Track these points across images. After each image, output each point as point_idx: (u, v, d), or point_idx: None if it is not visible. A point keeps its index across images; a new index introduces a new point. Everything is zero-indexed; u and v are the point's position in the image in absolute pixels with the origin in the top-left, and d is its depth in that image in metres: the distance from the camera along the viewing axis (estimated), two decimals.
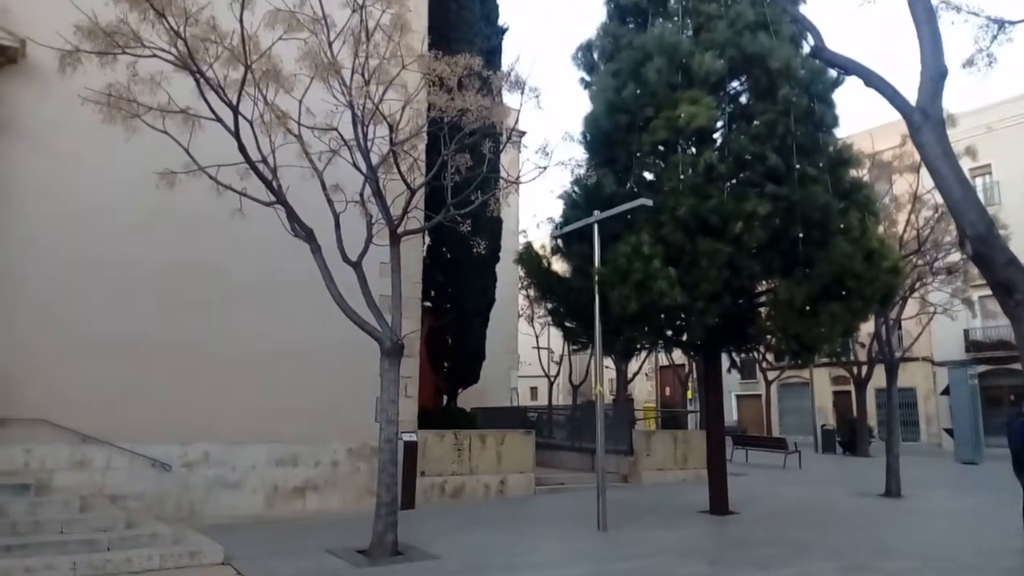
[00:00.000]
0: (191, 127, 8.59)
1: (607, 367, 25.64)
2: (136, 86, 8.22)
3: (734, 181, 11.26)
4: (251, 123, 8.66)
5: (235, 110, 8.39)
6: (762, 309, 12.21)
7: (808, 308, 10.60)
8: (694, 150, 11.63)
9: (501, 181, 10.90)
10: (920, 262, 16.72)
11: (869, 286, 10.71)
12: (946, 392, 28.98)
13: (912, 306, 19.98)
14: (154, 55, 8.02)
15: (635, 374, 35.35)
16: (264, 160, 8.87)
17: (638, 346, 13.44)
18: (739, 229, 10.83)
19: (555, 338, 27.27)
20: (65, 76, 7.90)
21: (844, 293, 10.62)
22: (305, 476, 12.23)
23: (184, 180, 9.00)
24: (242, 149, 8.57)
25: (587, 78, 13.21)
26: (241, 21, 7.97)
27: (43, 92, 10.19)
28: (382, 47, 9.04)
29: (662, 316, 11.25)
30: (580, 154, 12.71)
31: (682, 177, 11.06)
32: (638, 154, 11.78)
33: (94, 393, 10.51)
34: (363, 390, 12.06)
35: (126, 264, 10.96)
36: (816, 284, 10.66)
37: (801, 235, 10.77)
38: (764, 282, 12.35)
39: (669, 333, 12.53)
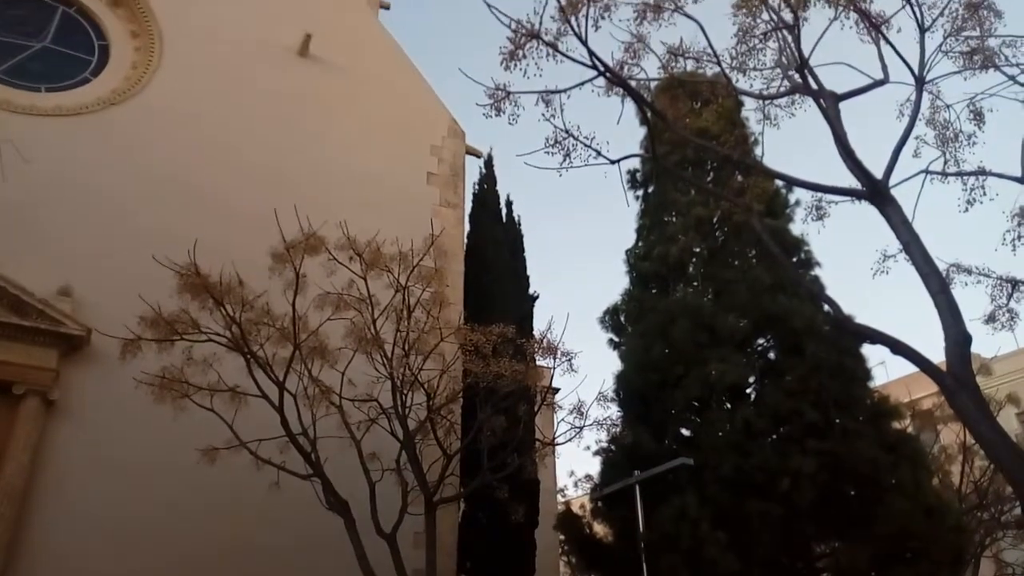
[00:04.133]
0: (237, 403, 8.92)
1: None
2: (188, 368, 8.70)
3: (774, 437, 11.10)
4: (295, 397, 8.98)
5: (281, 386, 8.75)
6: (826, 575, 11.33)
7: (873, 574, 9.84)
8: (729, 406, 11.65)
9: (537, 443, 10.89)
10: (985, 516, 15.67)
11: (935, 546, 10.00)
12: None
13: (988, 567, 18.31)
14: (209, 339, 8.60)
15: None
16: (304, 432, 9.04)
17: None
18: (787, 486, 10.45)
19: None
20: (124, 362, 8.43)
21: (909, 555, 9.90)
22: None
23: (224, 455, 9.11)
24: (284, 423, 8.79)
25: (615, 339, 13.70)
26: (293, 306, 8.64)
27: (101, 376, 10.73)
28: (422, 321, 9.63)
29: None
30: (614, 411, 12.77)
31: (720, 434, 10.97)
32: (673, 411, 11.82)
33: None
34: None
35: (159, 544, 10.61)
36: (877, 545, 9.99)
37: (853, 492, 10.33)
38: (822, 544, 11.61)
39: None
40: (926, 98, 9.06)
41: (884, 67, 9.21)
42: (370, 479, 9.20)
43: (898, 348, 7.21)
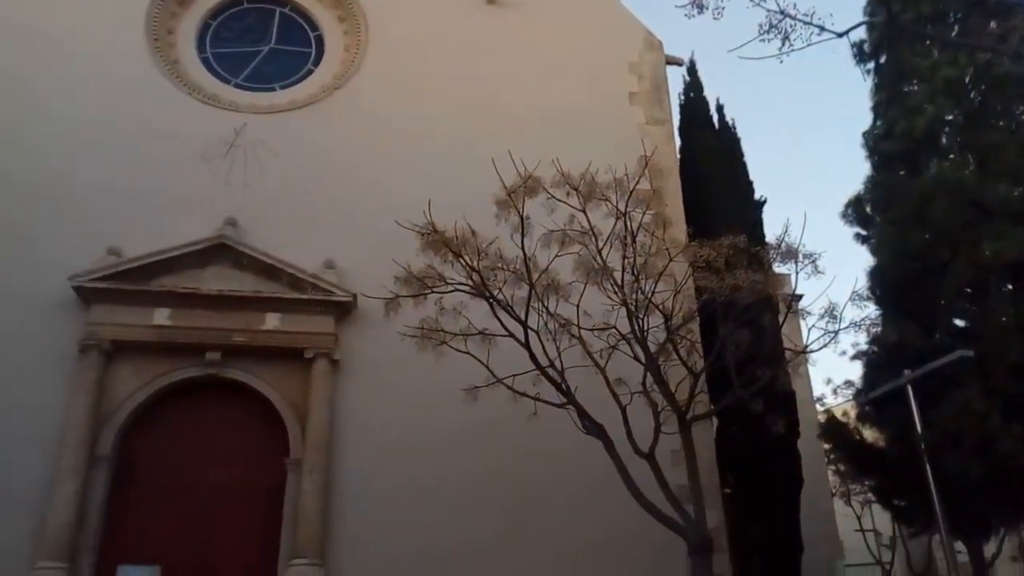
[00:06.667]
0: (488, 345, 9.55)
1: (958, 551, 21.54)
2: (442, 317, 9.45)
3: None
4: (538, 333, 9.41)
5: (524, 324, 9.22)
6: None
7: None
8: (1011, 286, 10.28)
9: (787, 353, 10.45)
10: None
11: None
12: None
13: None
14: (455, 289, 9.26)
15: (994, 556, 29.01)
16: (552, 364, 9.46)
17: (993, 521, 11.30)
18: None
19: (879, 514, 23.78)
20: (388, 319, 9.36)
21: None
22: None
23: (484, 393, 9.81)
24: (532, 358, 9.28)
25: (863, 232, 12.61)
26: (523, 247, 9.00)
27: (370, 334, 12.03)
28: (647, 245, 9.56)
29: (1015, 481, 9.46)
30: (871, 310, 11.80)
31: (1003, 319, 9.73)
32: (941, 301, 10.68)
33: None
34: None
35: (435, 478, 11.73)
36: None
37: None
38: None
39: None
40: None
41: None
42: (620, 402, 9.43)
43: None
